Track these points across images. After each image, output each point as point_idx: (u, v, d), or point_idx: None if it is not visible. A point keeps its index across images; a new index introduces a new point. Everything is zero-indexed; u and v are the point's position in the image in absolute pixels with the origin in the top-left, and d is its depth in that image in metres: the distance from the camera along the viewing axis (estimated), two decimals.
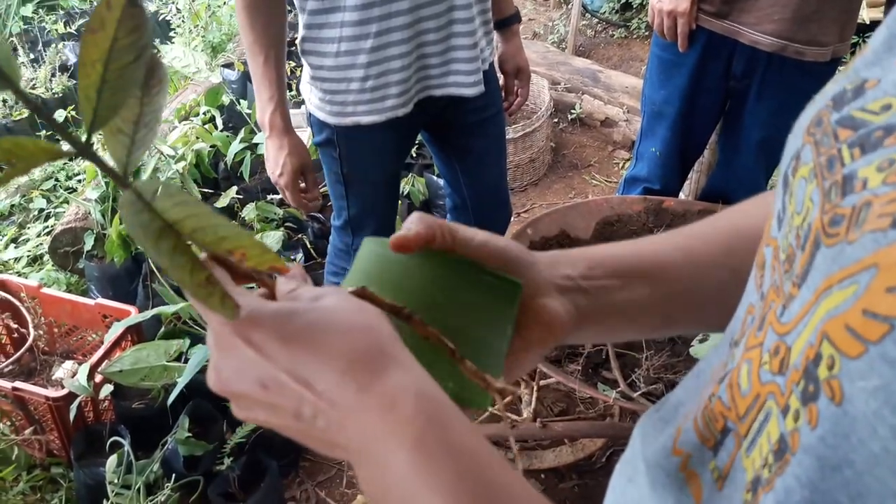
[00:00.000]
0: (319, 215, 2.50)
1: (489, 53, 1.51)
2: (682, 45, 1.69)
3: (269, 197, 2.53)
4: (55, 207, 2.78)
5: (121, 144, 0.34)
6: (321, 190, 1.66)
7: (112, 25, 0.30)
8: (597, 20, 4.24)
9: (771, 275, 0.35)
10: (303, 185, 1.50)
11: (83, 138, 0.32)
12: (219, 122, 2.76)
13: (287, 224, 2.48)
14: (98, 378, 1.72)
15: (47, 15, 4.81)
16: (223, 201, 2.42)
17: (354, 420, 0.35)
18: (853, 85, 0.33)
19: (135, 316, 1.80)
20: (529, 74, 1.71)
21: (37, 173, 2.96)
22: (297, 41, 1.40)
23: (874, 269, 0.25)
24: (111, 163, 0.34)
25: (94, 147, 0.33)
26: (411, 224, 0.44)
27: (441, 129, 1.60)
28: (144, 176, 2.27)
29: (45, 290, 1.97)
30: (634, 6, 4.13)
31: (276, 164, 1.45)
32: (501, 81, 1.70)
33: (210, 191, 2.61)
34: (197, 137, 2.55)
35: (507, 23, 1.64)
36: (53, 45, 4.34)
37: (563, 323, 0.47)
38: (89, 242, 2.32)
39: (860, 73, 0.33)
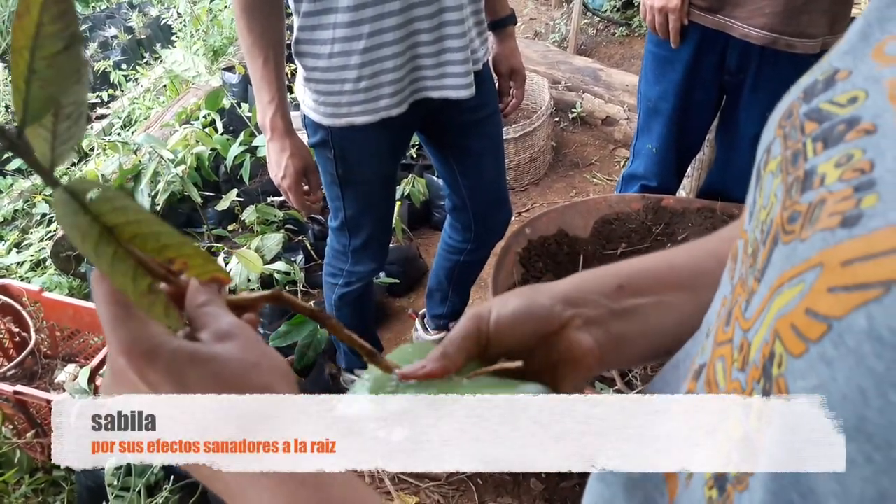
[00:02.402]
0: (319, 217, 2.51)
1: (483, 54, 1.50)
2: (674, 41, 1.69)
3: (270, 199, 2.54)
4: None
5: (41, 138, 0.33)
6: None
7: (36, 9, 0.29)
8: (598, 19, 4.23)
9: (740, 268, 0.35)
10: (306, 186, 1.50)
11: (16, 132, 0.31)
12: (219, 125, 2.77)
13: (287, 226, 2.48)
14: (99, 381, 1.73)
15: None
16: (224, 204, 2.43)
17: (233, 475, 0.36)
18: (825, 76, 0.32)
19: None
20: (524, 76, 1.69)
21: (39, 179, 2.97)
22: (292, 43, 1.40)
23: (819, 268, 0.25)
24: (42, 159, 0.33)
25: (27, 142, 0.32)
26: (428, 362, 0.45)
27: (436, 130, 1.60)
28: (144, 180, 2.28)
29: (46, 294, 1.98)
30: (636, 4, 4.12)
31: (278, 166, 1.44)
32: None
33: (211, 193, 2.62)
34: (197, 141, 2.56)
35: (501, 24, 1.62)
36: None
37: (594, 356, 0.46)
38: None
39: (833, 63, 0.32)
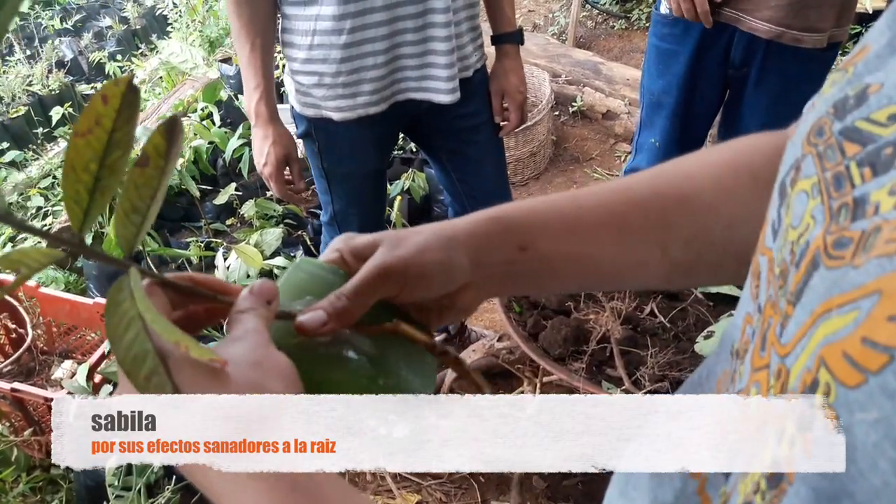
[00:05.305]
0: (319, 211, 2.49)
1: (476, 60, 1.46)
2: (706, 20, 1.62)
3: (269, 193, 2.52)
4: (53, 206, 2.77)
5: (133, 224, 0.36)
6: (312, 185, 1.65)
7: (110, 120, 0.31)
8: (597, 11, 4.21)
9: (766, 288, 0.34)
10: (289, 176, 1.49)
11: (77, 238, 0.35)
12: (217, 118, 2.75)
13: (287, 221, 2.46)
14: (97, 378, 1.71)
15: (43, 11, 4.78)
16: (222, 198, 2.40)
17: (219, 476, 0.36)
18: (855, 91, 0.31)
19: None
20: (519, 100, 1.55)
21: (34, 172, 2.94)
22: (279, 33, 1.40)
23: (877, 295, 0.24)
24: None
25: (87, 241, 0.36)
26: (330, 315, 0.45)
27: (424, 133, 1.57)
28: None
29: (43, 289, 1.96)
30: None
31: (260, 153, 1.44)
32: None
33: (209, 187, 2.60)
34: (195, 134, 2.54)
35: (499, 40, 1.54)
36: (50, 41, 4.32)
37: (480, 304, 0.51)
38: (87, 241, 2.31)
39: (863, 77, 0.31)
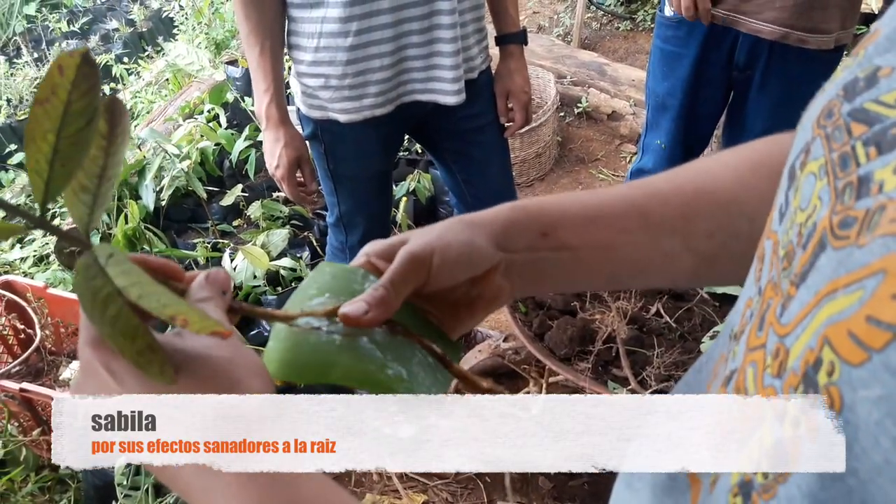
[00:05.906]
0: (325, 213, 2.50)
1: (481, 62, 1.47)
2: (704, 18, 1.63)
3: (275, 195, 2.53)
4: (60, 207, 2.78)
5: (83, 203, 0.35)
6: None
7: (65, 91, 0.30)
8: (602, 12, 4.21)
9: (769, 270, 0.34)
10: (300, 178, 1.49)
11: (38, 212, 0.34)
12: (223, 119, 2.76)
13: (293, 222, 2.47)
14: None
15: (50, 13, 4.81)
16: (228, 199, 2.41)
17: (195, 472, 0.36)
18: (865, 73, 0.31)
19: None
20: (524, 101, 1.55)
21: None
22: (285, 35, 1.40)
23: (881, 274, 0.24)
24: (74, 222, 0.36)
25: (49, 216, 0.34)
26: (371, 306, 0.45)
27: (430, 134, 1.57)
28: (149, 176, 2.26)
29: (51, 290, 1.97)
30: None
31: (272, 156, 1.45)
32: None
33: (215, 189, 2.61)
34: (202, 135, 2.54)
35: (503, 40, 1.55)
36: (57, 44, 4.34)
37: (509, 297, 0.51)
38: (95, 242, 2.32)
39: (873, 60, 0.31)
